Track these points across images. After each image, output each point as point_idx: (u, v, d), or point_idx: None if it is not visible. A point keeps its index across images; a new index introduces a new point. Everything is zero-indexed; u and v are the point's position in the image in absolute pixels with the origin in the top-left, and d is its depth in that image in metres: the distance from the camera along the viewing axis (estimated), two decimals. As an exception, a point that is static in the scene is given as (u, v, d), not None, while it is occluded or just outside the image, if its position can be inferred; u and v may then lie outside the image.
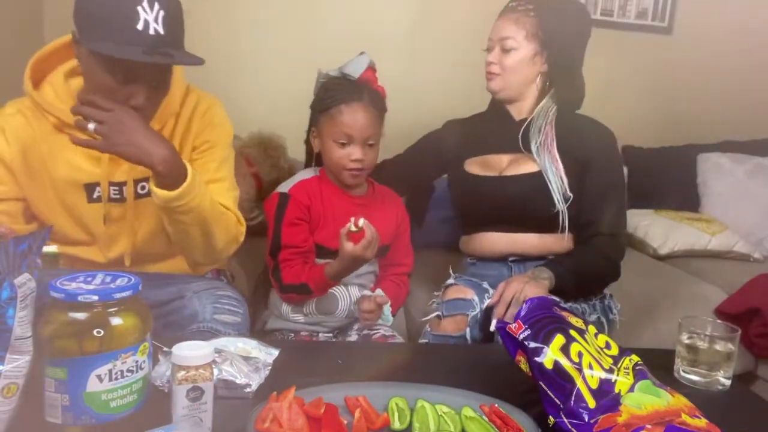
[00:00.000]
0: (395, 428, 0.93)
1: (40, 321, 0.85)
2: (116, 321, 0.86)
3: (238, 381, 0.99)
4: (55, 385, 0.84)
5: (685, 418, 0.90)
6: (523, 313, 1.02)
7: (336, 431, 0.88)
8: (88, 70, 1.20)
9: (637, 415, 0.90)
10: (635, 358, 1.02)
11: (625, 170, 1.96)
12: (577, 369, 0.94)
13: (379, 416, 0.94)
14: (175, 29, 1.18)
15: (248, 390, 0.99)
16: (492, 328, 1.45)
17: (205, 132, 1.38)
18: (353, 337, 1.58)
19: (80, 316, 0.84)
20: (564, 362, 0.95)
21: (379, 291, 1.54)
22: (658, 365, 1.07)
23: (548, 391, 0.94)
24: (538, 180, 1.58)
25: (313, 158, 1.61)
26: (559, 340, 0.97)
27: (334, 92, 1.49)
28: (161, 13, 1.13)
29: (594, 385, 0.94)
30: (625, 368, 0.99)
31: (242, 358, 1.03)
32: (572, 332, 0.99)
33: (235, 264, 1.75)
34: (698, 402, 0.97)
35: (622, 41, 2.79)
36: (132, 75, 1.16)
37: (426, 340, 1.57)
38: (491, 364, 1.19)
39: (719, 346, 1.17)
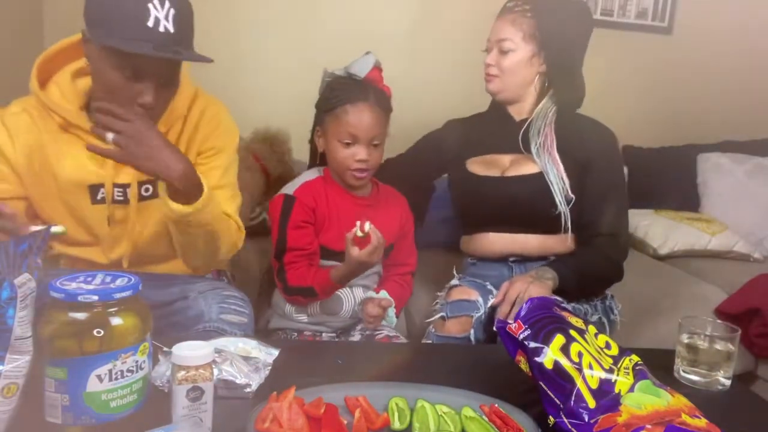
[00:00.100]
0: (395, 428, 0.93)
1: (40, 321, 0.85)
2: (116, 321, 0.86)
3: (238, 381, 0.99)
4: (55, 385, 0.84)
5: (685, 418, 0.90)
6: (523, 313, 1.02)
7: (336, 431, 0.88)
8: (97, 68, 1.20)
9: (637, 415, 0.90)
10: (635, 358, 1.02)
11: (625, 170, 1.95)
12: (577, 369, 0.94)
13: (379, 416, 0.94)
14: (185, 28, 1.18)
15: (248, 390, 0.99)
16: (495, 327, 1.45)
17: (212, 137, 1.38)
18: (356, 337, 1.58)
19: (80, 316, 0.84)
20: (564, 362, 0.95)
21: (383, 293, 1.54)
22: (658, 365, 1.07)
23: (548, 391, 0.94)
24: (540, 181, 1.58)
25: (317, 158, 1.61)
26: (559, 340, 0.97)
27: (340, 92, 1.48)
28: (171, 11, 1.14)
29: (594, 385, 0.94)
30: (625, 368, 0.99)
31: (242, 358, 1.03)
32: (572, 332, 0.99)
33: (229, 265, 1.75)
34: (698, 402, 0.97)
35: (622, 41, 2.79)
36: (141, 72, 1.16)
37: (430, 341, 1.57)
38: (491, 364, 1.19)
39: (719, 346, 1.17)
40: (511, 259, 1.66)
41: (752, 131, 2.82)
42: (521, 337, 0.98)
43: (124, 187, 1.31)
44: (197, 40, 1.25)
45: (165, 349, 1.00)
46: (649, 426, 0.88)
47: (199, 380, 0.86)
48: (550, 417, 0.94)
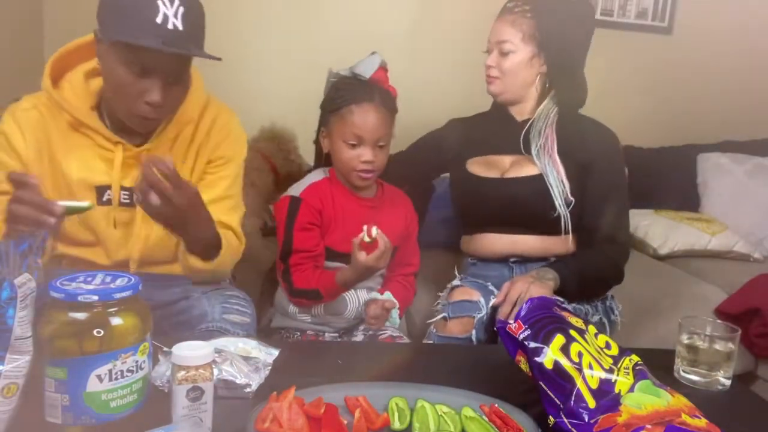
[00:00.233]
0: (395, 428, 0.93)
1: (40, 321, 0.85)
2: (116, 321, 0.86)
3: (238, 381, 0.99)
4: (55, 385, 0.84)
5: (685, 418, 0.90)
6: (523, 313, 1.02)
7: (336, 431, 0.88)
8: (106, 65, 1.20)
9: (637, 415, 0.90)
10: (635, 358, 1.02)
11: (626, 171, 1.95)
12: (577, 369, 0.94)
13: (379, 416, 0.94)
14: (195, 27, 1.19)
15: (248, 390, 0.99)
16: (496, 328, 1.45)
17: (223, 146, 1.38)
18: (359, 337, 1.57)
19: (80, 316, 0.84)
20: (564, 362, 0.95)
21: (387, 294, 1.53)
22: (658, 365, 1.07)
23: (548, 391, 0.94)
24: (540, 183, 1.58)
25: (323, 158, 1.60)
26: (559, 340, 0.97)
27: (345, 92, 1.47)
28: (181, 9, 1.14)
29: (594, 385, 0.94)
30: (625, 368, 0.98)
31: (242, 358, 1.03)
32: (572, 332, 0.99)
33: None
34: (698, 402, 0.97)
35: (622, 41, 2.79)
36: (148, 68, 1.17)
37: (431, 342, 1.57)
38: (491, 364, 1.19)
39: (719, 346, 1.17)
40: (512, 259, 1.66)
41: (752, 131, 2.82)
42: (521, 337, 0.98)
43: (131, 190, 1.30)
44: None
45: (165, 349, 1.00)
46: (649, 426, 0.88)
47: (199, 380, 0.86)
48: (550, 417, 0.94)
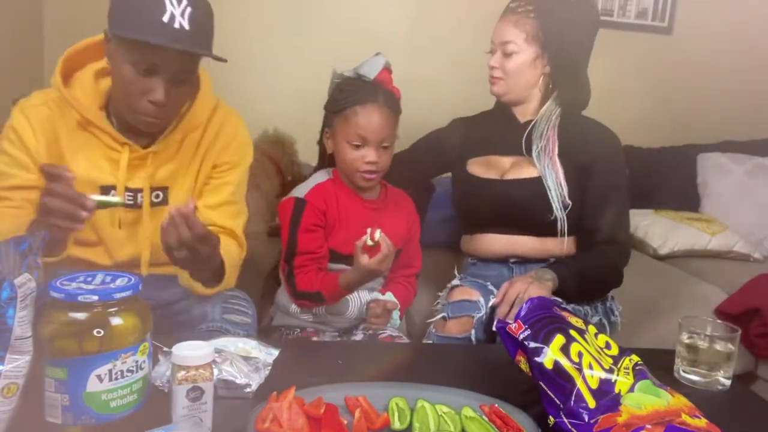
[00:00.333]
0: (395, 428, 0.93)
1: (40, 321, 0.85)
2: (116, 321, 0.86)
3: (238, 381, 0.99)
4: (55, 385, 0.84)
5: (685, 418, 0.90)
6: (523, 313, 1.02)
7: (336, 431, 0.88)
8: (113, 63, 1.21)
9: (637, 415, 0.90)
10: (635, 358, 1.02)
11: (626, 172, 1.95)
12: (577, 369, 0.94)
13: (379, 416, 0.94)
14: (202, 29, 1.19)
15: (248, 390, 0.99)
16: (494, 327, 1.45)
17: (229, 151, 1.38)
18: (359, 336, 1.57)
19: (80, 316, 0.84)
20: (564, 362, 0.95)
21: (389, 295, 1.53)
22: (658, 365, 1.07)
23: (548, 391, 0.94)
24: (538, 185, 1.57)
25: (326, 159, 1.59)
26: (559, 340, 0.97)
27: (349, 93, 1.47)
28: (188, 9, 1.15)
29: (594, 385, 0.94)
30: (625, 368, 0.99)
31: (242, 358, 1.03)
32: (572, 332, 0.99)
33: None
34: (698, 402, 0.97)
35: (622, 41, 2.79)
36: (153, 66, 1.17)
37: (430, 341, 1.57)
38: (491, 364, 1.19)
39: (719, 346, 1.17)
40: (512, 260, 1.66)
41: (752, 131, 2.82)
42: (521, 337, 0.98)
43: (135, 191, 1.30)
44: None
45: (165, 349, 1.00)
46: (649, 426, 0.88)
47: (199, 380, 0.86)
48: (550, 417, 0.94)
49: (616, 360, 1.00)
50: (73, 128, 1.27)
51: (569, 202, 1.56)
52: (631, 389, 0.95)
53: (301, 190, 1.52)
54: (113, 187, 1.30)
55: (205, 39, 1.21)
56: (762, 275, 2.09)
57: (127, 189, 1.30)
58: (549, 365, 0.95)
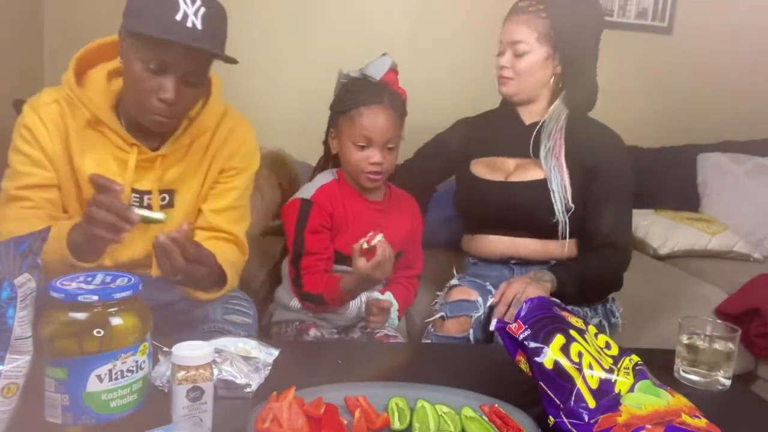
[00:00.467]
0: (395, 428, 0.93)
1: (40, 321, 0.85)
2: (116, 321, 0.86)
3: (238, 381, 0.99)
4: (55, 385, 0.84)
5: (685, 418, 0.90)
6: (523, 313, 1.02)
7: (336, 431, 0.88)
8: (125, 61, 1.21)
9: (637, 415, 0.90)
10: (635, 358, 1.02)
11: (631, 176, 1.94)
12: (577, 369, 0.94)
13: (379, 416, 0.94)
14: (214, 29, 1.19)
15: (248, 390, 0.99)
16: (492, 327, 1.45)
17: (237, 157, 1.38)
18: (357, 333, 1.58)
19: (80, 316, 0.84)
20: (564, 362, 0.95)
21: (388, 294, 1.54)
22: (658, 365, 1.07)
23: (548, 391, 0.94)
24: (542, 188, 1.57)
25: (330, 159, 1.59)
26: (559, 340, 0.97)
27: (355, 93, 1.47)
28: (202, 9, 1.15)
29: (594, 385, 0.94)
30: (625, 368, 0.99)
31: (242, 358, 1.03)
32: (572, 332, 0.99)
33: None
34: (698, 402, 0.97)
35: (622, 41, 2.79)
36: (164, 65, 1.17)
37: (429, 341, 1.57)
38: (491, 364, 1.19)
39: (719, 346, 1.17)
40: (513, 261, 1.65)
41: (752, 131, 2.81)
42: (521, 337, 0.98)
43: (142, 193, 1.30)
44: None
45: (165, 349, 1.00)
46: (649, 426, 0.88)
47: (199, 380, 0.86)
48: (550, 417, 0.94)
49: (616, 360, 1.00)
50: (83, 127, 1.27)
51: (572, 205, 1.56)
52: (631, 389, 0.95)
53: (306, 192, 1.52)
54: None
55: (217, 40, 1.21)
56: (762, 275, 2.09)
57: (134, 190, 1.30)
58: (549, 365, 0.95)
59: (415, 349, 1.48)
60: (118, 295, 0.86)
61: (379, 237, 1.33)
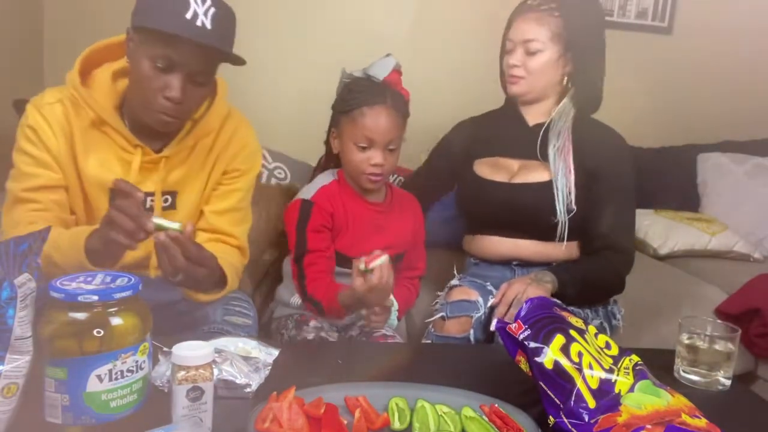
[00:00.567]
0: (395, 428, 0.93)
1: (40, 321, 0.85)
2: (116, 321, 0.86)
3: (238, 381, 0.99)
4: (55, 385, 0.84)
5: (685, 418, 0.90)
6: (523, 313, 1.02)
7: (336, 431, 0.88)
8: (133, 59, 1.21)
9: (637, 415, 0.90)
10: (635, 358, 1.02)
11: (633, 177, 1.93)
12: (577, 369, 0.94)
13: (379, 416, 0.94)
14: (223, 29, 1.20)
15: (248, 390, 0.99)
16: (492, 328, 1.44)
17: (240, 158, 1.39)
18: (355, 331, 1.57)
19: (80, 316, 0.84)
20: (564, 362, 0.95)
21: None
22: (658, 365, 1.07)
23: (548, 391, 0.94)
24: (547, 190, 1.56)
25: (331, 159, 1.59)
26: (559, 340, 0.97)
27: (357, 94, 1.46)
28: (212, 9, 1.16)
29: (594, 385, 0.94)
30: (625, 368, 0.99)
31: (242, 358, 1.03)
32: (572, 332, 0.99)
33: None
34: (698, 402, 0.97)
35: (622, 41, 2.78)
36: (172, 63, 1.17)
37: (429, 341, 1.56)
38: (491, 364, 1.19)
39: (719, 346, 1.17)
40: (515, 262, 1.65)
41: (752, 131, 2.81)
42: (521, 337, 0.98)
43: (145, 195, 1.30)
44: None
45: (165, 349, 1.00)
46: (649, 426, 0.88)
47: (199, 380, 0.86)
48: (550, 417, 0.94)
49: (616, 360, 1.00)
50: (87, 127, 1.27)
51: (574, 207, 1.55)
52: (631, 389, 0.95)
53: (307, 192, 1.52)
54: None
55: (225, 40, 1.22)
56: (762, 275, 2.09)
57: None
58: (549, 365, 0.95)
59: (416, 349, 1.48)
60: (118, 295, 0.86)
61: (380, 261, 1.28)
